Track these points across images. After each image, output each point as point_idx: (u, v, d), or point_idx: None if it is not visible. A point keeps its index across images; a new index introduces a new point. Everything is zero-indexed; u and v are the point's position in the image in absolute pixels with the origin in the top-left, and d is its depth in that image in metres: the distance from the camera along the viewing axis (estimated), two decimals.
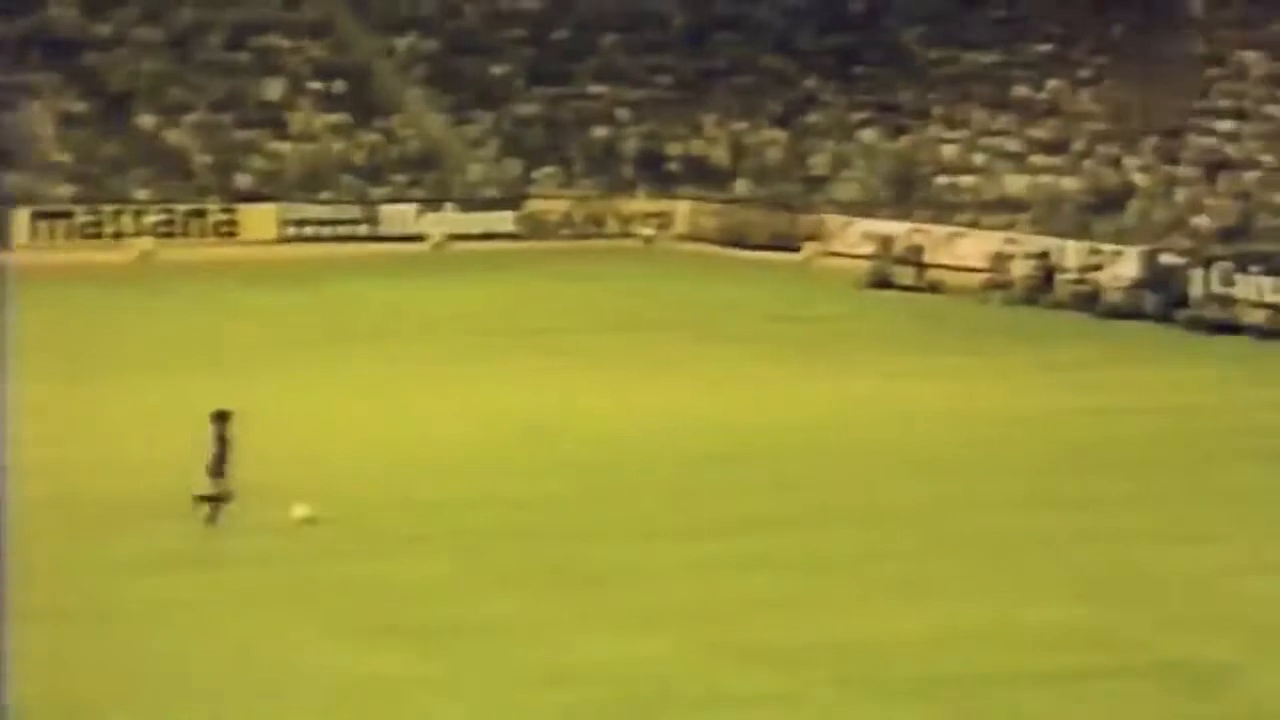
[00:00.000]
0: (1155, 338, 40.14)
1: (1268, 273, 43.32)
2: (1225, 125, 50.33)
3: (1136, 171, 50.02)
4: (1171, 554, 23.07)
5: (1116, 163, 50.65)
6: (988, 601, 21.16)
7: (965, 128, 54.73)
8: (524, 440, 28.94)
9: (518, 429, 29.69)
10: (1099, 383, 34.29)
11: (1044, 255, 46.31)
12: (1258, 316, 40.94)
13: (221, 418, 22.78)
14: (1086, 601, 21.11)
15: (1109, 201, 49.28)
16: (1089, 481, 26.83)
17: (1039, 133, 53.35)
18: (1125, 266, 45.13)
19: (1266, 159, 48.48)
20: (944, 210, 51.27)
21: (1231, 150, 49.46)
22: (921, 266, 47.28)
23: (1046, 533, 24.03)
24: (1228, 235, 46.02)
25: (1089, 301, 43.46)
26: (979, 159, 53.05)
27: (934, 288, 46.22)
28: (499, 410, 31.14)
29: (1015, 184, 51.43)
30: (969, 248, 48.60)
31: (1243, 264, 43.69)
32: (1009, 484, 26.74)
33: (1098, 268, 45.53)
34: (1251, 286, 43.14)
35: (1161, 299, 42.49)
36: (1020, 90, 55.43)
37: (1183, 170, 49.31)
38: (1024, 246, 47.33)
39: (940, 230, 49.83)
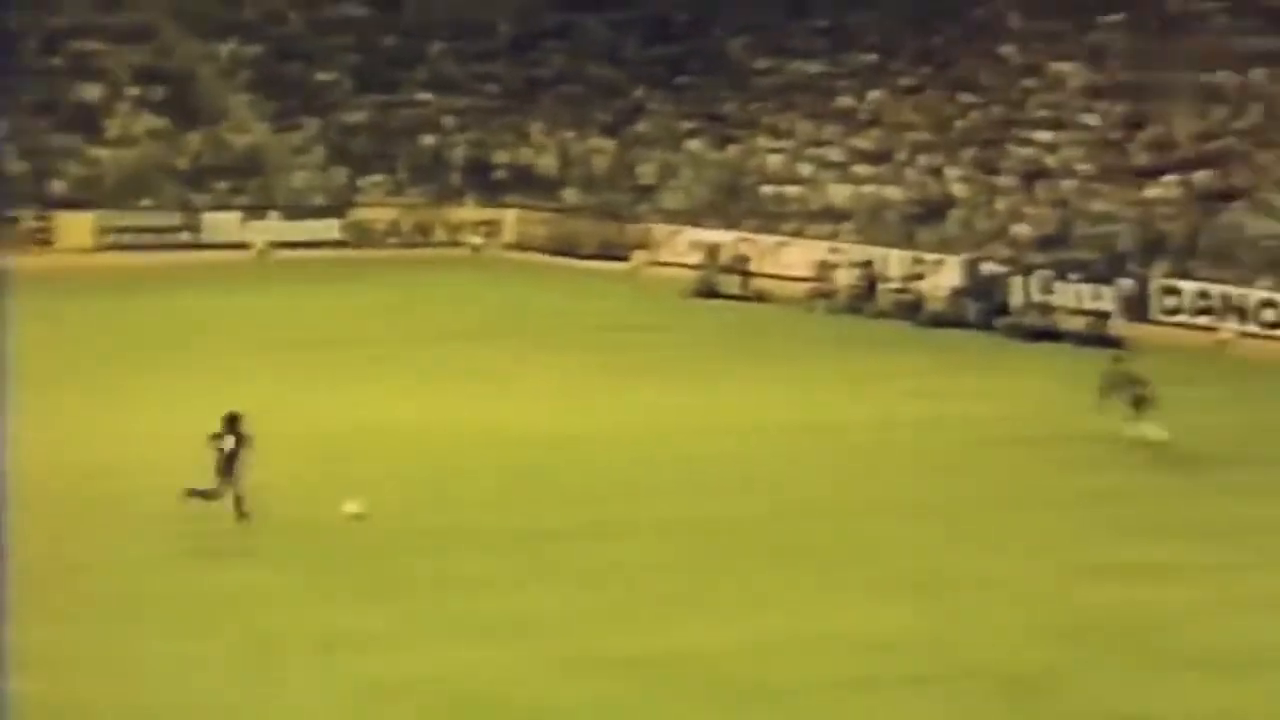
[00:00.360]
0: (977, 345, 40.77)
1: (1086, 280, 44.26)
2: (1043, 135, 51.25)
3: (957, 181, 50.78)
4: (999, 560, 23.49)
5: (938, 172, 51.40)
6: (819, 609, 21.42)
7: (790, 138, 55.24)
8: (346, 451, 28.74)
9: (339, 439, 29.47)
10: (923, 390, 34.75)
11: (867, 264, 46.89)
12: (1076, 323, 41.78)
13: (234, 421, 23.54)
14: (914, 608, 21.43)
15: (931, 211, 50.00)
16: (915, 488, 27.24)
17: (862, 143, 53.99)
18: (947, 275, 45.84)
19: (1083, 168, 49.44)
20: (770, 219, 51.73)
21: (1049, 160, 50.38)
22: (747, 275, 47.67)
23: (875, 540, 24.38)
24: (1046, 244, 46.89)
25: (912, 310, 44.08)
26: (804, 169, 53.58)
27: (760, 297, 46.62)
28: (318, 421, 30.85)
29: (839, 193, 52.01)
30: (794, 257, 49.08)
31: (1062, 272, 44.58)
32: (837, 492, 27.07)
33: (920, 276, 46.21)
34: (1070, 294, 44.05)
35: (983, 307, 43.20)
36: (843, 100, 56.07)
37: (1002, 180, 50.16)
38: (848, 255, 47.91)
39: (766, 239, 50.28)
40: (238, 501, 23.61)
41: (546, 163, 58.32)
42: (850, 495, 26.75)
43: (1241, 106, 49.61)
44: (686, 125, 57.52)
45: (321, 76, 60.35)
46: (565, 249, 53.76)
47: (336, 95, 60.06)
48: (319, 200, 56.54)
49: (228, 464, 23.52)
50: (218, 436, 23.64)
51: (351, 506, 23.92)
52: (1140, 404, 28.57)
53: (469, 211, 56.50)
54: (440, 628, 20.60)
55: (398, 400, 32.88)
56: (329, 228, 55.34)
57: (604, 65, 61.41)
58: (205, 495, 23.57)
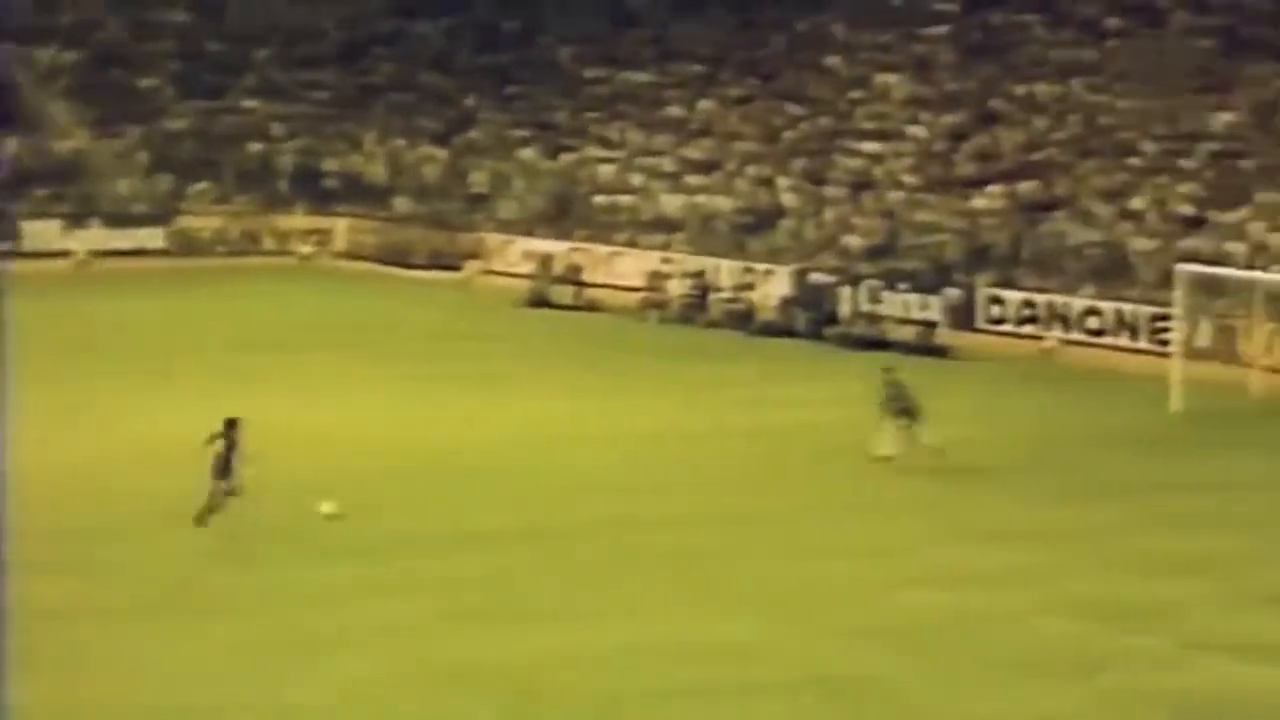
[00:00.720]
0: (806, 354, 41.57)
1: (913, 290, 45.25)
2: (870, 146, 52.24)
3: (787, 191, 51.60)
4: (832, 567, 24.13)
5: (768, 183, 52.17)
6: (649, 618, 21.91)
7: (621, 147, 55.77)
8: (169, 462, 28.55)
9: (161, 450, 29.14)
10: (754, 400, 35.40)
11: (699, 274, 47.58)
12: (904, 333, 42.73)
13: (231, 425, 24.44)
14: (749, 616, 22.01)
15: (761, 221, 50.77)
16: (749, 497, 27.83)
17: (692, 153, 54.66)
18: (777, 285, 46.63)
19: (910, 179, 50.46)
20: (602, 229, 52.22)
21: (877, 171, 51.36)
22: (580, 285, 48.15)
23: (708, 548, 24.92)
24: (874, 254, 47.84)
25: (743, 320, 44.81)
26: (635, 178, 54.13)
27: (592, 306, 47.10)
28: (140, 434, 30.65)
29: (671, 203, 52.63)
30: (626, 267, 49.63)
31: (889, 282, 45.54)
32: (668, 501, 27.57)
33: (751, 286, 46.96)
34: (898, 304, 45.02)
35: (812, 317, 44.04)
36: (673, 110, 56.72)
37: (830, 190, 51.06)
38: (680, 265, 48.56)
39: (599, 249, 50.78)
40: (212, 498, 24.29)
41: (377, 171, 58.35)
42: (681, 505, 27.27)
43: (1061, 118, 50.99)
44: (518, 134, 57.86)
45: (143, 82, 59.92)
46: (396, 258, 53.83)
47: (159, 102, 59.66)
48: (143, 208, 56.12)
49: (222, 466, 24.34)
50: (213, 440, 24.43)
51: (327, 506, 24.84)
52: (908, 413, 28.87)
53: (298, 220, 56.38)
54: (272, 643, 20.78)
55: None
56: (153, 236, 54.95)
57: (434, 73, 61.56)
58: (211, 507, 24.36)
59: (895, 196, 49.94)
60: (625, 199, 53.51)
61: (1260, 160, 46.99)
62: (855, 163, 51.95)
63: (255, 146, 58.84)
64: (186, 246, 55.02)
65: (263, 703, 18.99)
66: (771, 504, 27.45)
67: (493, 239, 53.12)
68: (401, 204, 56.72)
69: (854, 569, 24.08)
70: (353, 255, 55.14)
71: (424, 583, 22.96)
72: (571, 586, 23.13)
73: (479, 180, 56.68)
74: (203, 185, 57.27)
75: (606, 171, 54.98)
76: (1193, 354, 38.19)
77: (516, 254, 52.02)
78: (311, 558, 23.96)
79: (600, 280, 49.41)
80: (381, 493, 27.50)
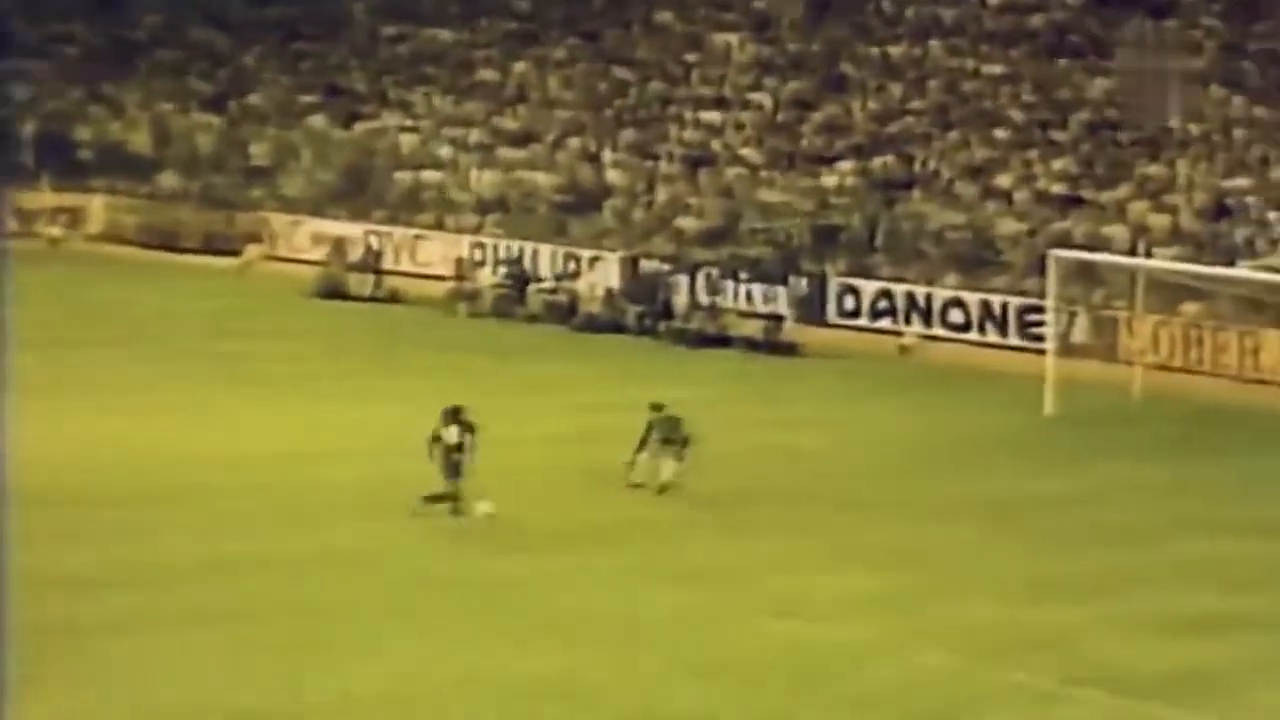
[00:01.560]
0: (638, 353, 41.75)
1: (756, 280, 45.59)
2: (708, 116, 52.59)
3: (614, 167, 51.79)
4: (665, 594, 24.24)
5: (593, 157, 52.34)
6: (456, 651, 21.89)
7: (425, 116, 55.67)
8: None
9: None
10: (579, 405, 35.46)
11: (515, 261, 47.62)
12: (747, 328, 43.05)
13: (456, 413, 26.73)
14: (570, 650, 22.05)
15: (585, 200, 50.92)
16: (569, 514, 27.87)
17: (507, 123, 54.69)
18: (603, 274, 46.81)
19: (751, 154, 50.82)
20: (404, 210, 52.08)
21: (715, 144, 51.69)
22: (379, 273, 48.00)
23: (516, 576, 24.93)
24: (713, 238, 48.14)
25: (565, 313, 44.92)
26: (442, 151, 54.06)
27: (393, 298, 46.97)
28: None
29: (482, 180, 52.62)
30: (432, 253, 49.57)
31: (730, 270, 45.88)
32: (480, 520, 27.52)
33: (574, 275, 47.10)
34: (740, 295, 45.37)
35: (644, 310, 44.25)
36: (485, 74, 56.71)
37: (663, 166, 51.33)
38: (493, 251, 48.57)
39: (400, 232, 50.65)
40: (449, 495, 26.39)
41: (140, 140, 57.74)
42: (491, 526, 27.23)
43: (919, 84, 51.64)
44: (305, 99, 57.54)
45: None
46: (163, 241, 53.38)
47: None
48: None
49: (453, 461, 26.51)
50: (437, 438, 26.67)
51: (484, 506, 26.57)
52: (668, 444, 28.80)
53: (45, 197, 55.59)
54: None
55: None
56: None
57: (207, 27, 61.06)
58: (440, 499, 26.46)
59: (735, 173, 50.31)
60: (430, 175, 53.41)
61: (1141, 131, 47.95)
62: (691, 134, 52.26)
63: None
64: None
65: None
66: (596, 522, 27.53)
67: (276, 220, 52.81)
68: (169, 179, 56.19)
69: (690, 596, 24.20)
70: (110, 238, 54.56)
71: (209, 613, 22.77)
72: (368, 619, 23.04)
73: (260, 152, 56.30)
74: None
75: (408, 143, 54.84)
76: (1068, 350, 38.91)
77: (304, 237, 51.76)
78: (35, 590, 23.63)
79: (402, 268, 49.29)
80: (124, 513, 27.14)
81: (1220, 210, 44.59)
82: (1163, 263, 41.22)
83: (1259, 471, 32.19)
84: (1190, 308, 41.05)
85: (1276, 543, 27.65)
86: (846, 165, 49.48)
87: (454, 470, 26.74)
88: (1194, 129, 47.21)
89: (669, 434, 28.81)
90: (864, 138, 50.33)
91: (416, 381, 37.72)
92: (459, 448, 26.74)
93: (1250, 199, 44.54)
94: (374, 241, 50.09)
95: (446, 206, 52.08)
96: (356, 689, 20.70)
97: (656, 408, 29.35)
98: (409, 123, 55.46)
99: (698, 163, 50.97)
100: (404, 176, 53.54)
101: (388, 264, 48.92)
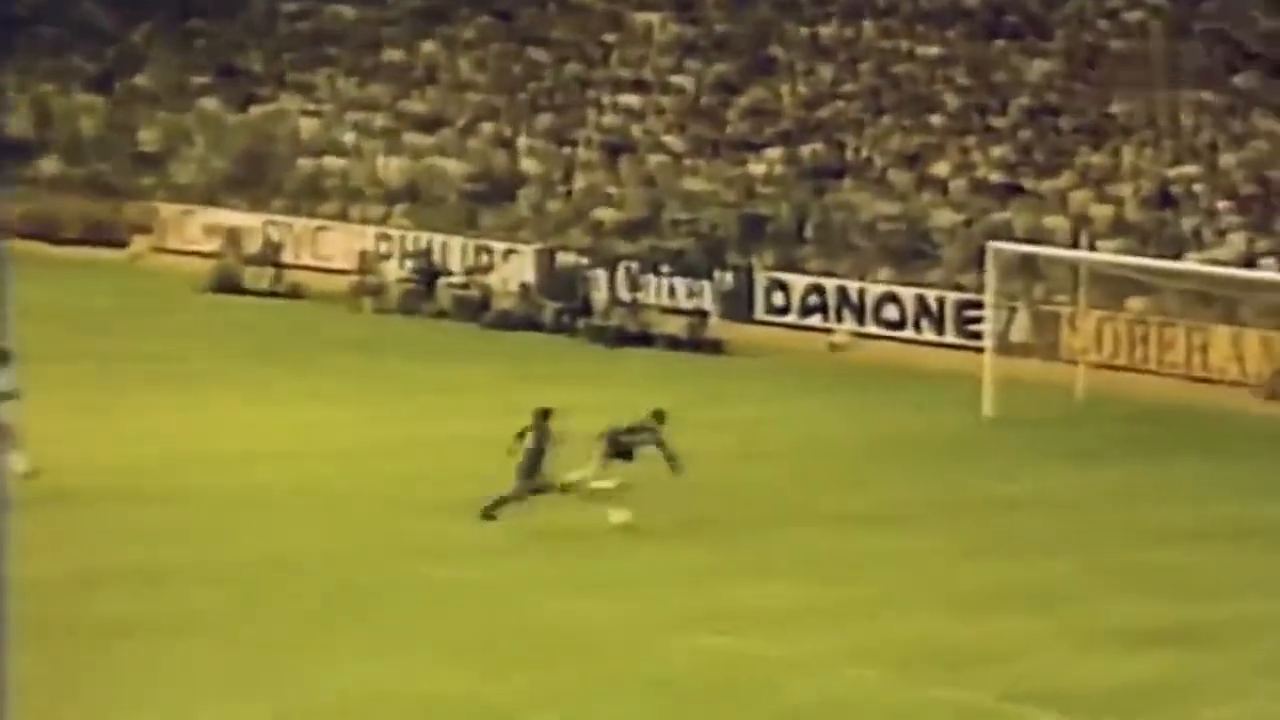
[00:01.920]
0: (554, 351, 41.83)
1: (680, 274, 45.75)
2: (628, 100, 52.70)
3: (528, 154, 51.85)
4: (590, 606, 24.35)
5: (506, 143, 52.38)
6: (373, 667, 21.96)
7: (327, 99, 55.59)
8: None
9: None
10: (490, 407, 35.38)
11: (424, 254, 47.64)
12: (671, 325, 43.20)
13: (545, 416, 27.30)
14: (479, 666, 22.14)
15: (498, 189, 50.96)
16: (480, 525, 27.89)
17: (414, 106, 54.68)
18: (518, 268, 46.86)
19: (673, 141, 50.94)
20: (305, 199, 52.00)
21: (635, 130, 51.81)
22: (278, 267, 47.94)
23: (437, 588, 25.01)
24: (633, 230, 48.27)
25: (477, 309, 44.96)
26: (345, 137, 54.00)
27: (293, 292, 46.93)
28: None
29: (388, 168, 52.59)
30: (335, 245, 49.53)
31: (652, 264, 46.02)
32: (391, 530, 27.59)
33: (486, 269, 47.14)
34: (663, 290, 45.52)
35: (561, 306, 44.34)
36: (390, 54, 56.68)
37: (581, 153, 51.41)
38: (400, 244, 48.56)
39: (300, 223, 50.57)
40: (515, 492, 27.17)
41: (18, 124, 57.41)
42: (407, 535, 27.31)
43: (850, 67, 51.88)
44: (198, 80, 57.37)
45: None
46: (42, 231, 52.99)
47: None
48: None
49: (531, 464, 27.14)
50: (522, 436, 27.21)
51: (617, 516, 27.26)
52: (622, 455, 28.76)
53: None
54: None
55: None
56: None
57: (91, 1, 60.76)
58: (505, 501, 27.27)
59: (657, 161, 50.44)
60: (332, 162, 53.35)
61: (1083, 117, 48.32)
62: (610, 120, 52.37)
63: None
64: None
65: None
66: (514, 529, 27.60)
67: (167, 209, 52.65)
68: (49, 165, 55.92)
69: (610, 608, 24.32)
70: None
71: (105, 625, 22.76)
72: (280, 631, 23.06)
73: (149, 137, 56.11)
74: None
75: (309, 128, 54.76)
76: (1008, 348, 39.19)
77: (197, 228, 51.62)
78: None
79: (302, 261, 49.23)
80: (38, 522, 27.07)
81: (1166, 199, 44.98)
82: (1106, 255, 41.56)
83: (1208, 474, 32.54)
84: (1135, 303, 41.42)
85: (1228, 549, 27.96)
86: (774, 152, 49.69)
87: (529, 472, 27.33)
88: (1138, 114, 47.59)
89: (623, 445, 28.53)
90: (792, 123, 50.54)
91: (323, 381, 37.75)
92: (537, 454, 27.32)
93: (1198, 187, 44.97)
94: (272, 233, 50.02)
95: (350, 196, 52.03)
96: (264, 707, 20.72)
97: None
98: (310, 106, 55.37)
99: (617, 150, 51.08)
100: (304, 163, 53.48)
101: (287, 257, 48.86)
